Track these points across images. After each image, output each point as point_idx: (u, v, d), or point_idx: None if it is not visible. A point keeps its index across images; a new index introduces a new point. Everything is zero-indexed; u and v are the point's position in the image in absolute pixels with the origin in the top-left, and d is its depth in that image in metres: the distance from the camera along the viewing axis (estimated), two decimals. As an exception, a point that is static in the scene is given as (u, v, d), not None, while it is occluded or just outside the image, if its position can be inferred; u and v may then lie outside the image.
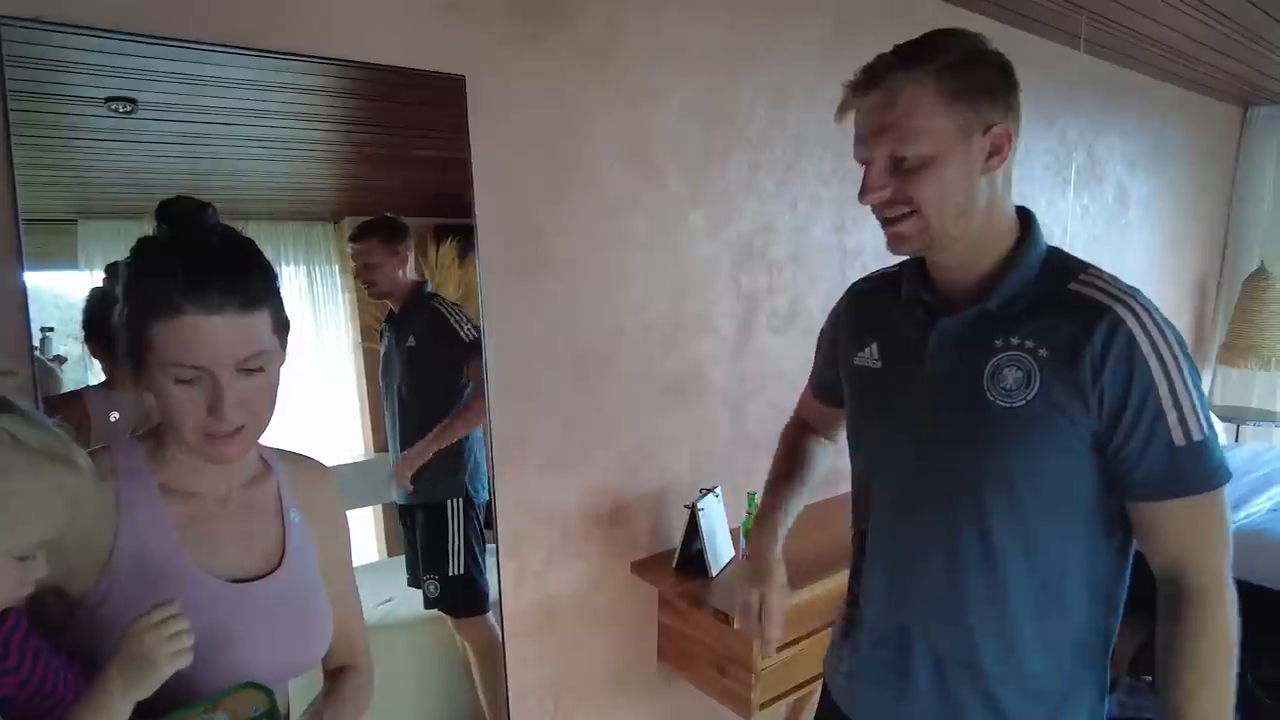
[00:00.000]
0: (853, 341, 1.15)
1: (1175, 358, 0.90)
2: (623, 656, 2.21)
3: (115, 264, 1.38)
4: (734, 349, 2.36)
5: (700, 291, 2.26)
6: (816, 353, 1.29)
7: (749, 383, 2.39)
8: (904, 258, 1.09)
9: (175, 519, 0.89)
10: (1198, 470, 0.90)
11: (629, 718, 2.26)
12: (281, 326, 0.90)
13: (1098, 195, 3.71)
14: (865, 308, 1.17)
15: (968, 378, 0.98)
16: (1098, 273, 0.97)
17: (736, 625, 1.04)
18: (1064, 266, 0.99)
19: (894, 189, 0.94)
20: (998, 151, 0.94)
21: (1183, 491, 0.91)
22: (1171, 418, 0.89)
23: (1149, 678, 2.60)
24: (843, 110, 0.98)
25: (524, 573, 1.96)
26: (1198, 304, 4.62)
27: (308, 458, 1.07)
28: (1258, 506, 3.18)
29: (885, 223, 0.98)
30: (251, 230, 1.44)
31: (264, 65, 1.43)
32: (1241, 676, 2.70)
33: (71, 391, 1.32)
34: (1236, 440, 4.34)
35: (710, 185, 2.22)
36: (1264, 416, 4.41)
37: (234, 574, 0.92)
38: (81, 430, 1.28)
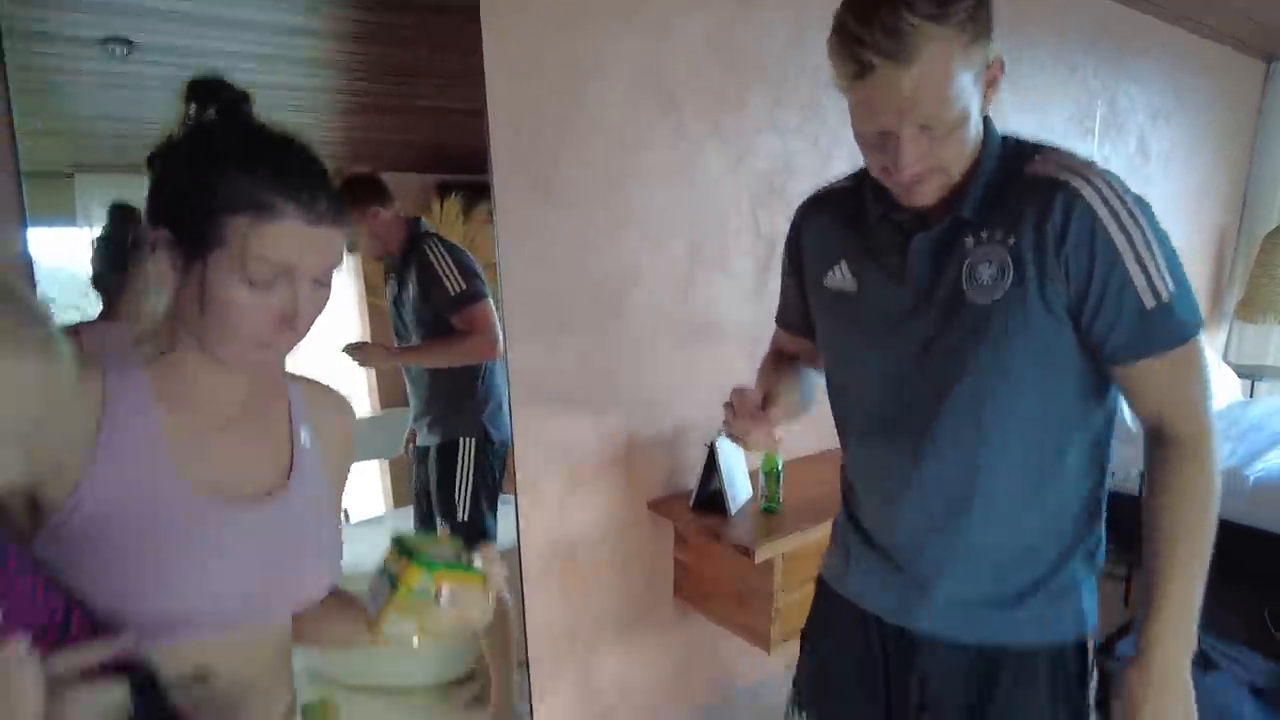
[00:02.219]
0: (819, 263, 1.13)
1: (1138, 222, 0.90)
2: (640, 593, 2.21)
3: (121, 206, 1.35)
4: (753, 290, 2.33)
5: (718, 231, 2.22)
6: (782, 285, 1.26)
7: (768, 325, 2.36)
8: (849, 174, 1.14)
9: (167, 425, 0.78)
10: (1169, 328, 0.91)
11: (646, 652, 2.26)
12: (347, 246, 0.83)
13: (1119, 145, 3.64)
14: (826, 227, 1.14)
15: (948, 284, 0.98)
16: (1051, 150, 0.96)
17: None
18: (1019, 152, 0.98)
19: (925, 148, 0.91)
20: (993, 83, 0.93)
21: (1157, 350, 0.92)
22: (1140, 283, 0.90)
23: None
24: (862, 76, 0.88)
25: (542, 511, 1.96)
26: (1218, 257, 4.56)
27: (329, 386, 0.98)
28: (1273, 459, 3.16)
29: (908, 182, 0.94)
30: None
31: (266, 5, 1.37)
32: (1259, 617, 2.66)
33: (68, 326, 1.27)
34: (1251, 396, 4.30)
35: (728, 121, 2.18)
36: (1278, 374, 4.37)
37: (230, 493, 0.82)
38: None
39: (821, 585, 1.26)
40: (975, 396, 0.98)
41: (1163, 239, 0.92)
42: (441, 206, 1.84)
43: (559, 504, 1.99)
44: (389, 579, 0.77)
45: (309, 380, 0.96)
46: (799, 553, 1.94)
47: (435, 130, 1.81)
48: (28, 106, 1.20)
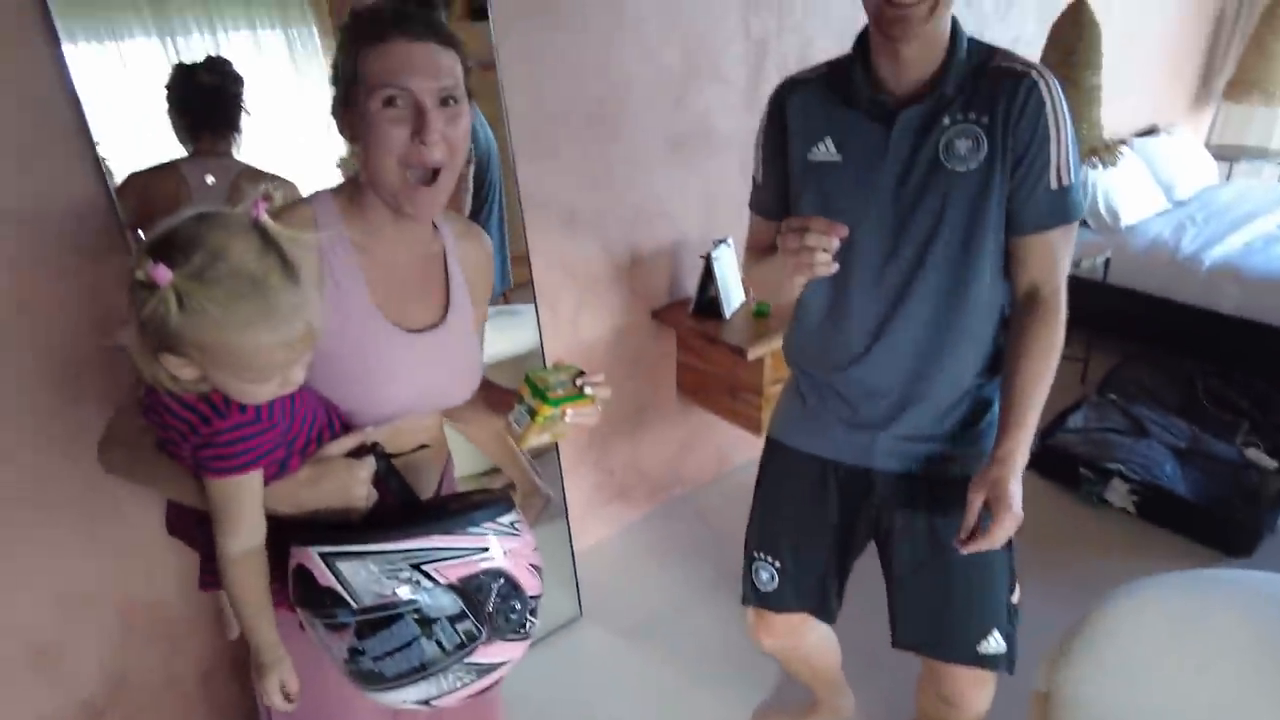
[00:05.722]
0: (803, 140, 1.23)
1: (1065, 119, 1.12)
2: (647, 391, 2.47)
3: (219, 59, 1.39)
4: (744, 98, 2.38)
5: (709, 37, 2.23)
6: (758, 174, 1.33)
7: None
8: (821, 62, 1.26)
9: (365, 270, 0.98)
10: (1065, 207, 1.15)
11: (653, 441, 2.57)
12: (468, 76, 0.96)
13: (1124, -84, 3.48)
14: (810, 106, 1.24)
15: (928, 155, 1.14)
16: (1007, 51, 1.17)
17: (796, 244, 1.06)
18: (983, 51, 1.16)
19: None
20: None
21: (1052, 225, 1.15)
22: (1053, 164, 1.12)
23: (1113, 396, 2.91)
24: None
25: (558, 321, 2.15)
26: (1212, 34, 4.48)
27: (472, 223, 1.17)
28: (1233, 243, 3.34)
29: (899, 1, 1.05)
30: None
31: None
32: (1193, 387, 2.99)
33: (165, 163, 1.38)
34: (1228, 179, 4.41)
35: (720, -80, 2.12)
36: (1258, 154, 4.44)
37: (409, 325, 1.02)
38: (181, 195, 1.37)
39: (771, 443, 1.45)
40: (952, 250, 1.16)
41: (1074, 138, 1.13)
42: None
43: (574, 316, 2.19)
44: (528, 411, 1.01)
45: (454, 217, 1.14)
46: (788, 351, 2.17)
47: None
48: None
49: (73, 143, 1.31)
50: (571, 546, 2.19)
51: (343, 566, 0.86)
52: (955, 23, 1.15)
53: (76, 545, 1.51)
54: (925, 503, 1.30)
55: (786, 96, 1.26)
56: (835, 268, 1.07)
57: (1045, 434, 2.73)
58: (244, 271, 0.77)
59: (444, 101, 0.92)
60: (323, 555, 0.87)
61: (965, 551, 1.14)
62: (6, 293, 1.32)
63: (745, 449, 2.80)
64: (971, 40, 1.16)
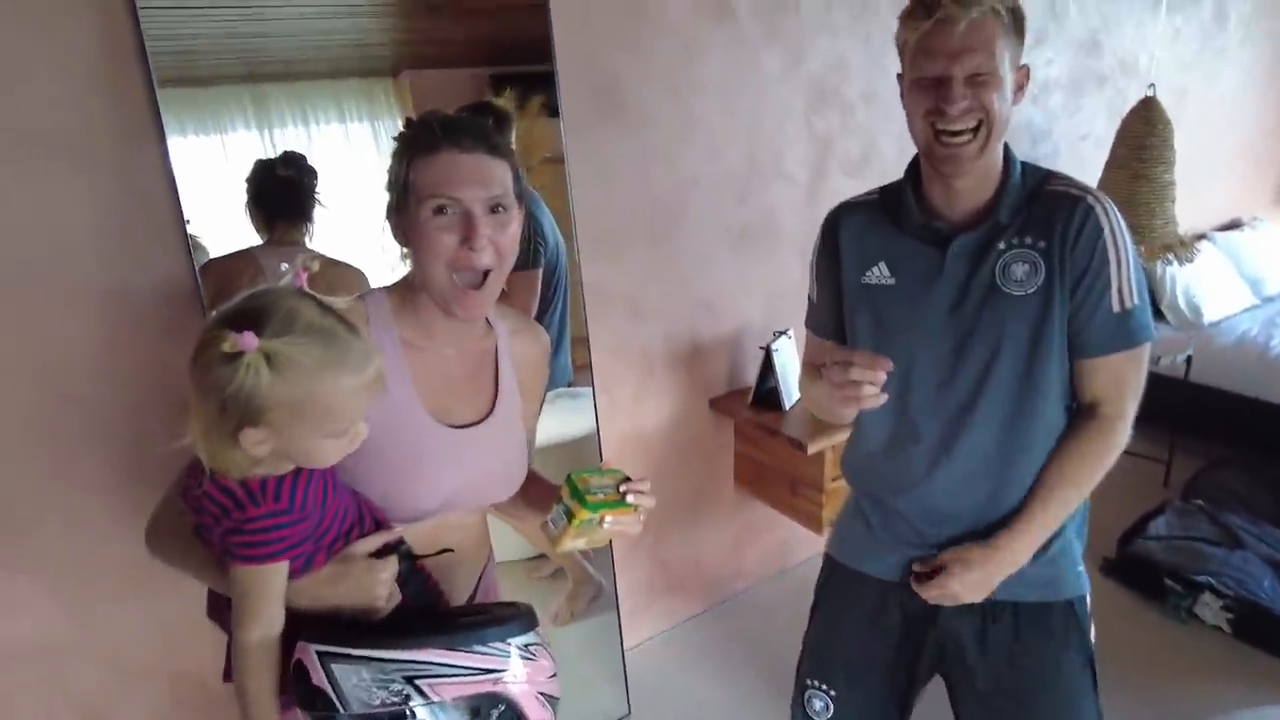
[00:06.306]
0: (857, 263, 1.23)
1: (1126, 243, 1.10)
2: (704, 481, 2.43)
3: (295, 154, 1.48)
4: (806, 194, 2.41)
5: (773, 136, 2.28)
6: (814, 293, 1.33)
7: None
8: (873, 189, 1.27)
9: (413, 367, 1.00)
10: (1130, 331, 1.11)
11: (710, 535, 2.52)
12: (518, 182, 0.99)
13: (1193, 15, 3.47)
14: (863, 229, 1.24)
15: (984, 279, 1.13)
16: (1063, 175, 1.17)
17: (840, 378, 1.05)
18: (1037, 175, 1.17)
19: (970, 98, 1.06)
20: (1020, 88, 1.12)
21: (1117, 349, 1.12)
22: (1113, 288, 1.09)
23: (1200, 502, 2.74)
24: (927, 17, 1.05)
25: (615, 408, 2.15)
26: (1293, 131, 4.38)
27: (528, 319, 1.18)
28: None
29: (950, 140, 1.08)
30: (313, 89, 1.52)
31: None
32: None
33: (242, 250, 1.47)
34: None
35: (783, 22, 2.20)
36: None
37: (452, 421, 1.03)
38: (257, 280, 1.43)
39: (831, 562, 1.39)
40: (1016, 372, 1.13)
41: (1137, 262, 1.12)
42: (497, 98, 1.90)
43: (632, 402, 2.19)
44: (565, 512, 0.98)
45: (511, 313, 1.15)
46: (850, 444, 2.11)
47: (491, 25, 1.80)
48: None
49: (167, 227, 1.40)
50: (622, 641, 2.12)
51: (336, 669, 0.84)
52: (1008, 149, 1.15)
53: (136, 618, 1.54)
54: (996, 632, 1.21)
55: (839, 220, 1.27)
56: (884, 399, 1.05)
57: (1125, 540, 2.57)
58: (316, 325, 0.81)
59: (493, 209, 0.95)
60: (320, 654, 0.85)
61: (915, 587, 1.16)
62: (94, 363, 1.40)
63: (808, 544, 2.71)
64: (1025, 164, 1.17)
